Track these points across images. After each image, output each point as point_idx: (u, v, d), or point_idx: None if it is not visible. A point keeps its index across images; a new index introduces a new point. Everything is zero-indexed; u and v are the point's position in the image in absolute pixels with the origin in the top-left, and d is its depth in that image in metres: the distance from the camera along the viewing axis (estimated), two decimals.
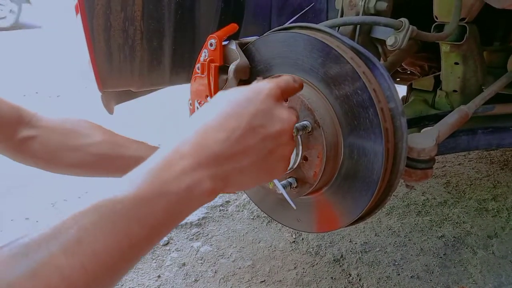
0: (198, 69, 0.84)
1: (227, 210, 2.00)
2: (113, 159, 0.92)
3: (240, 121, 0.51)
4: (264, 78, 0.80)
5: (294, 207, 0.76)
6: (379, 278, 1.53)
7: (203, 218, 1.93)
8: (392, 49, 0.81)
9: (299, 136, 0.72)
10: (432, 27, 1.06)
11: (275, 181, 0.75)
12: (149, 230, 0.43)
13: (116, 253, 0.40)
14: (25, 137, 0.86)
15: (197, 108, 0.87)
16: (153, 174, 0.45)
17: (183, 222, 1.88)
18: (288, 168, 0.76)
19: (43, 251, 0.37)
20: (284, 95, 0.58)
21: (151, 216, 0.43)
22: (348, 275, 1.55)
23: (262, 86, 0.55)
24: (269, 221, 1.88)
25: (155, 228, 0.44)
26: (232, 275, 1.56)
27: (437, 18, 1.04)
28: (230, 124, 0.50)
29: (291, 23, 0.83)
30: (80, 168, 0.92)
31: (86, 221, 0.40)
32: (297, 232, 1.78)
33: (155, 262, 1.64)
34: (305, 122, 0.71)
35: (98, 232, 0.39)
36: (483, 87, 1.15)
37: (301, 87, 0.62)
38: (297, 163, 0.74)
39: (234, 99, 0.53)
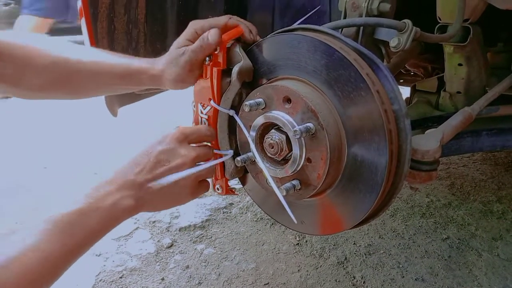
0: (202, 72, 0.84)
1: (230, 213, 2.00)
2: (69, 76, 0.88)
3: (150, 157, 0.72)
4: (267, 80, 0.80)
5: (295, 221, 0.76)
6: (383, 281, 1.52)
7: (206, 220, 1.92)
8: (395, 50, 0.81)
9: (302, 138, 0.72)
10: (436, 28, 1.05)
11: (276, 191, 0.75)
12: (86, 234, 0.66)
13: (65, 249, 0.63)
14: None
15: (201, 111, 0.87)
16: (88, 195, 0.67)
17: (187, 224, 1.88)
18: (291, 171, 0.76)
19: (18, 249, 0.59)
20: (190, 140, 0.77)
21: (87, 224, 0.66)
22: (352, 278, 1.54)
23: (169, 132, 0.75)
24: (272, 223, 1.88)
25: (92, 232, 0.67)
26: (236, 278, 1.56)
27: (440, 19, 1.04)
28: (142, 160, 0.72)
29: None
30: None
31: (44, 227, 0.62)
32: (301, 235, 1.78)
33: (158, 265, 1.64)
34: (308, 124, 0.70)
35: (52, 236, 0.62)
36: (487, 88, 1.15)
37: (212, 137, 0.82)
38: (300, 165, 0.74)
39: (148, 142, 0.74)
